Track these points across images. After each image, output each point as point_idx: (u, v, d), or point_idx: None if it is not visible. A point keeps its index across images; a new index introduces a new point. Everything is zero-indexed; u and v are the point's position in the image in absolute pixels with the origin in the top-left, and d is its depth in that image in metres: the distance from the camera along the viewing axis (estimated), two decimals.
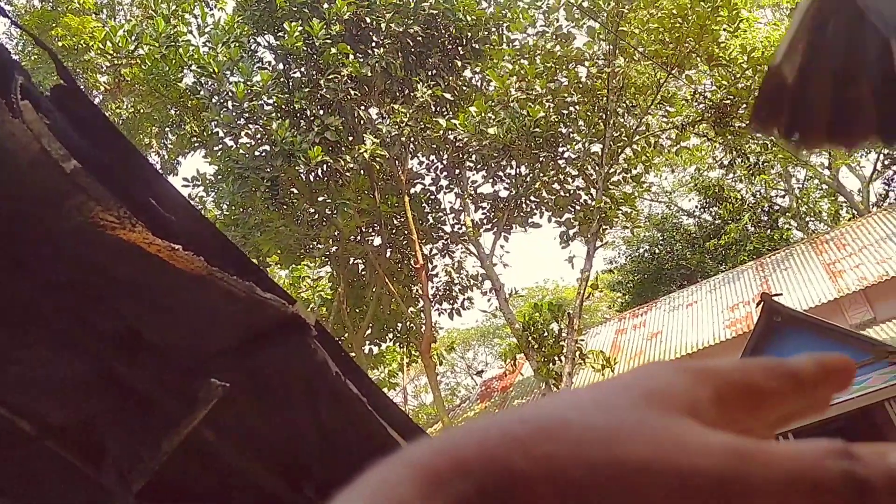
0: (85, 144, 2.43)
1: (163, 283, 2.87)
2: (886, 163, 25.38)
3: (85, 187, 2.37)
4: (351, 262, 16.50)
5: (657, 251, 27.07)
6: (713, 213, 27.15)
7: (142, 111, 14.91)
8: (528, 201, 16.87)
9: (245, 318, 3.01)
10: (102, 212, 2.50)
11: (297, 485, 3.67)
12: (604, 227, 16.69)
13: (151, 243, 2.65)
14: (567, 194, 16.45)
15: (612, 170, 16.09)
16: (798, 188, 26.81)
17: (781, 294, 13.21)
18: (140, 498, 3.60)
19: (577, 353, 14.55)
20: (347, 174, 13.42)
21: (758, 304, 12.88)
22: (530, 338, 14.71)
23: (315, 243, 15.49)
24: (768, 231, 25.48)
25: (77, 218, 2.46)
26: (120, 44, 13.22)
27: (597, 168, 16.05)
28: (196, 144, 14.12)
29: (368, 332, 17.18)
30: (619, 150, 15.88)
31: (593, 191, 16.30)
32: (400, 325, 18.35)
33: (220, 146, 13.95)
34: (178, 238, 2.70)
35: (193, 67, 13.33)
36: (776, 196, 27.35)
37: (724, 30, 14.11)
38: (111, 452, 3.00)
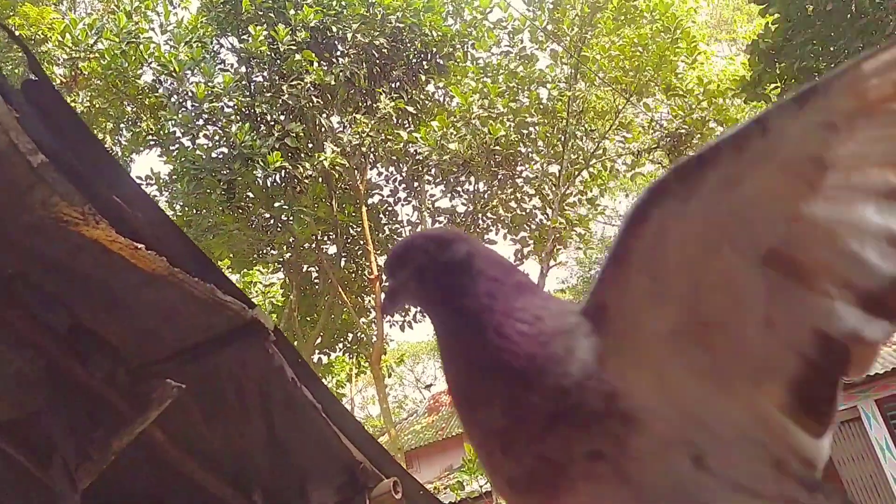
0: (53, 139, 2.42)
1: (123, 281, 2.85)
2: None
3: (51, 182, 2.37)
4: (304, 270, 16.36)
5: None
6: None
7: (97, 106, 14.61)
8: (484, 218, 16.98)
9: (204, 320, 3.00)
10: (67, 207, 2.49)
11: (245, 490, 3.65)
12: (558, 247, 16.89)
13: (114, 241, 2.64)
14: (523, 213, 16.59)
15: (568, 191, 16.30)
16: None
17: None
18: (86, 498, 3.54)
19: None
20: (306, 181, 13.35)
21: None
22: None
23: (269, 249, 15.34)
24: None
25: (40, 212, 2.45)
26: (80, 37, 12.96)
27: (553, 189, 16.25)
28: (151, 143, 13.88)
29: (318, 340, 17.03)
30: (576, 173, 16.11)
31: (549, 211, 16.49)
32: (350, 335, 18.23)
33: (177, 146, 13.75)
34: (142, 237, 2.69)
35: (154, 65, 13.15)
36: None
37: (682, 61, 14.47)
38: (60, 450, 2.95)
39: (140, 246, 2.65)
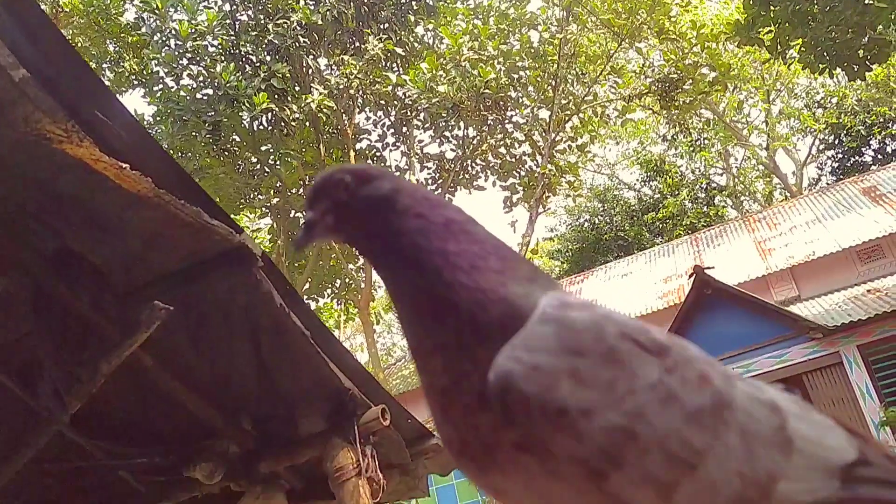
0: (34, 54, 2.35)
1: (107, 202, 2.81)
2: (821, 148, 26.22)
3: (33, 97, 2.31)
4: (292, 216, 16.29)
5: (597, 222, 27.50)
6: (653, 188, 27.68)
7: (79, 45, 14.30)
8: (474, 164, 16.91)
9: (190, 245, 2.97)
10: (50, 124, 2.43)
11: (234, 417, 3.67)
12: (547, 194, 16.88)
13: (98, 160, 2.59)
14: (513, 159, 16.54)
15: (558, 137, 16.22)
16: (736, 167, 27.51)
17: (714, 268, 13.58)
18: (75, 425, 3.55)
19: None
20: (293, 124, 13.18)
21: (690, 277, 13.23)
22: None
23: (256, 194, 15.24)
24: (704, 208, 26.12)
25: (23, 128, 2.39)
26: None
27: (543, 135, 16.17)
28: (135, 83, 13.63)
29: (306, 286, 17.05)
30: (567, 118, 16.01)
31: (539, 157, 16.43)
32: (339, 281, 18.27)
33: (161, 86, 13.51)
34: (126, 157, 2.64)
35: (136, 2, 12.84)
36: (714, 174, 28.05)
37: (676, 4, 14.28)
38: (48, 373, 2.94)
39: (125, 165, 2.60)
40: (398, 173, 17.08)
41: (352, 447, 3.55)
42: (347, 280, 17.74)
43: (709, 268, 13.19)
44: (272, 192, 15.19)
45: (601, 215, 27.70)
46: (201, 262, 3.03)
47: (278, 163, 13.75)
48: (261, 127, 13.81)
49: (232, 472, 3.76)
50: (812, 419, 0.87)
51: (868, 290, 14.00)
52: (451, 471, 4.36)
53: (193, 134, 12.82)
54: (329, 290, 18.67)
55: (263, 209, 15.61)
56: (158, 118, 13.39)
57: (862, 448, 0.86)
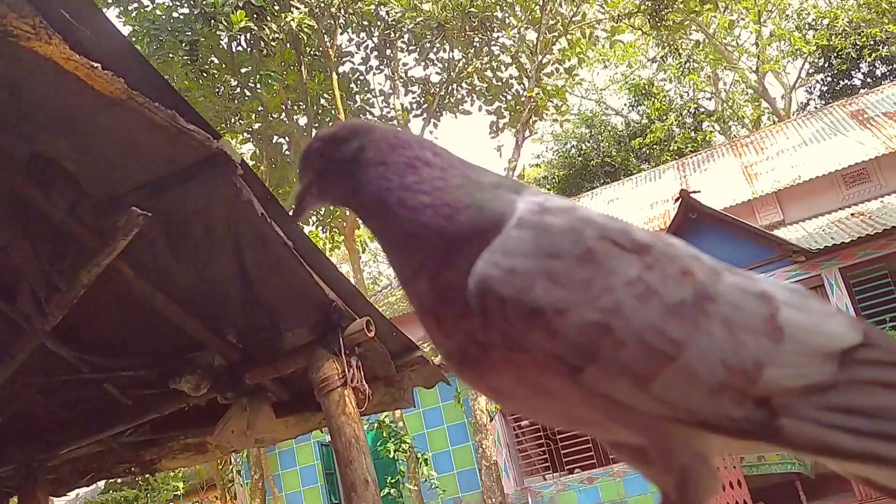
0: None
1: (80, 105, 2.71)
2: (811, 71, 25.98)
3: None
4: (274, 141, 16.03)
5: (584, 147, 27.32)
6: (640, 112, 27.44)
7: None
8: (459, 87, 16.63)
9: (167, 151, 2.89)
10: (17, 20, 2.32)
11: (219, 330, 3.66)
12: (534, 118, 16.67)
13: (69, 59, 2.49)
14: (499, 83, 16.25)
15: (545, 60, 15.92)
16: (724, 91, 27.25)
17: (700, 192, 13.57)
18: (59, 338, 3.53)
19: None
20: (273, 44, 12.81)
21: (676, 201, 13.23)
22: None
23: (237, 118, 14.95)
24: (692, 133, 25.97)
25: None
26: None
27: (530, 57, 15.86)
28: (109, 2, 13.17)
29: (290, 214, 16.93)
30: (554, 40, 15.68)
31: (526, 81, 16.17)
32: (323, 209, 18.15)
33: (136, 4, 13.07)
34: (96, 57, 2.54)
35: None
36: (703, 98, 27.80)
37: None
38: (28, 281, 2.90)
39: (96, 65, 2.51)
40: (381, 97, 16.82)
41: (337, 358, 3.56)
42: (332, 207, 17.62)
43: (695, 192, 13.18)
44: (253, 116, 14.89)
45: (588, 141, 27.52)
46: (179, 170, 2.96)
47: (259, 86, 13.43)
48: (239, 48, 13.44)
49: (218, 385, 3.78)
50: (810, 308, 0.87)
51: (852, 214, 14.08)
52: (435, 383, 4.40)
53: (170, 55, 12.46)
54: (314, 218, 18.56)
55: (245, 134, 15.34)
56: (134, 38, 12.98)
57: (868, 332, 0.86)
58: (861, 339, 0.85)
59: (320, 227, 18.81)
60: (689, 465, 0.82)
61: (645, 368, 0.77)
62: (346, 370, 3.54)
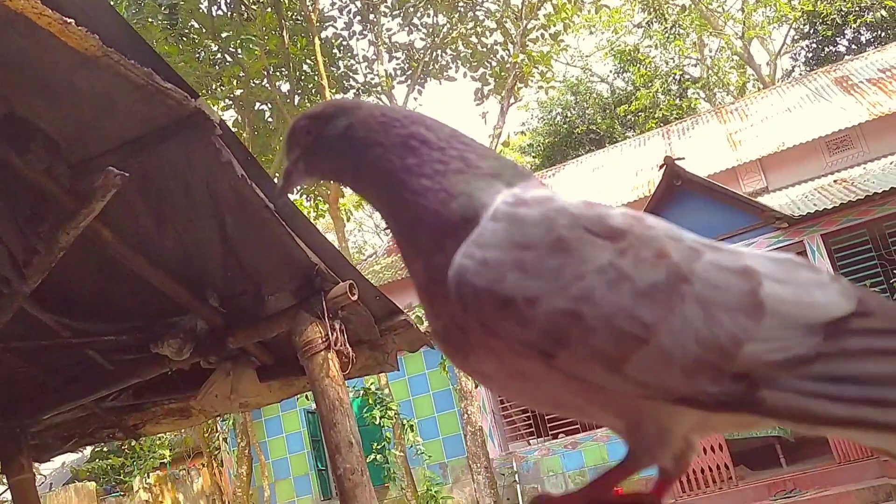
0: None
1: (54, 63, 2.66)
2: (796, 38, 25.91)
3: None
4: (257, 108, 15.85)
5: (569, 115, 27.23)
6: (626, 79, 27.33)
7: None
8: (444, 54, 16.48)
9: (144, 110, 2.84)
10: None
11: (200, 293, 3.64)
12: (519, 85, 16.57)
13: (41, 14, 2.43)
14: (484, 48, 16.12)
15: (530, 25, 15.79)
16: (710, 58, 27.16)
17: (684, 159, 13.57)
18: (39, 302, 3.50)
19: None
20: (253, 8, 12.62)
21: (660, 168, 13.23)
22: None
23: (218, 84, 14.75)
24: (677, 100, 25.93)
25: None
26: None
27: (515, 22, 15.73)
28: None
29: (274, 181, 16.81)
30: (540, 5, 15.55)
31: (511, 47, 16.04)
32: None
33: None
34: (71, 13, 2.49)
35: None
36: (688, 65, 27.70)
37: None
38: (5, 245, 2.86)
39: (69, 20, 2.45)
40: (364, 63, 16.62)
41: (320, 322, 3.55)
42: None
43: (679, 159, 13.18)
44: (235, 82, 14.70)
45: (573, 108, 27.42)
46: (157, 130, 2.92)
47: (240, 51, 13.23)
48: (220, 12, 13.24)
49: (201, 349, 3.77)
50: (797, 279, 0.87)
51: (835, 181, 14.15)
52: (419, 347, 4.41)
53: (149, 19, 12.24)
54: (298, 186, 18.43)
55: (227, 100, 15.15)
56: (112, 1, 12.75)
57: (865, 299, 0.86)
58: (854, 308, 0.85)
59: (304, 196, 18.70)
60: (657, 441, 0.85)
61: (617, 352, 0.78)
62: (330, 333, 3.53)
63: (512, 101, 16.10)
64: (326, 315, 3.54)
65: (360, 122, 0.93)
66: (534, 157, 27.36)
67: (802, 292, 0.86)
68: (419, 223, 0.87)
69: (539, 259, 0.79)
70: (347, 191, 21.39)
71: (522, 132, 28.93)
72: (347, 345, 3.62)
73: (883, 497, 9.18)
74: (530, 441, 13.52)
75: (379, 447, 12.45)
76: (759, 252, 0.91)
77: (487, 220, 0.83)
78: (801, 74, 22.68)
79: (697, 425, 0.86)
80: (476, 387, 12.92)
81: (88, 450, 17.19)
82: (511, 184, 0.88)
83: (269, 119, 15.98)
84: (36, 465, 5.04)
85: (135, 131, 2.93)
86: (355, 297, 3.58)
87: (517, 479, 12.70)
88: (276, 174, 16.47)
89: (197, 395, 4.05)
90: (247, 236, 3.42)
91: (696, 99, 26.71)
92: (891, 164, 13.91)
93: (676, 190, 13.17)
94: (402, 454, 12.71)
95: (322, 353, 3.52)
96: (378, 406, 12.73)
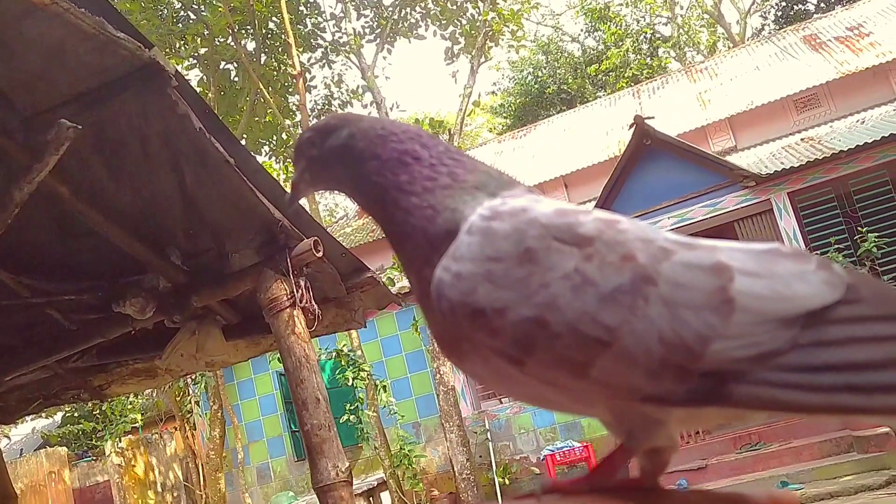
0: None
1: (1, 12, 2.56)
2: None
3: None
4: (222, 67, 15.54)
5: (540, 75, 27.09)
6: (597, 38, 27.19)
7: None
8: (413, 11, 16.25)
9: (97, 61, 2.76)
10: None
11: (162, 251, 3.58)
12: (489, 44, 16.42)
13: None
14: (454, 6, 15.91)
15: None
16: (681, 16, 27.09)
17: (654, 118, 13.59)
18: None
19: None
20: None
21: (631, 127, 13.25)
22: None
23: (181, 43, 14.43)
24: (648, 59, 25.88)
25: None
26: None
27: None
28: None
29: (242, 143, 16.55)
30: None
31: (481, 4, 15.85)
32: (276, 137, 17.80)
33: None
34: None
35: None
36: (658, 24, 27.60)
37: None
38: None
39: None
40: (332, 21, 16.30)
41: (285, 279, 3.52)
42: (285, 136, 17.29)
43: (649, 118, 13.19)
44: (199, 40, 14.38)
45: (544, 68, 27.26)
46: (111, 82, 2.83)
47: (203, 7, 12.93)
48: None
49: (164, 308, 3.72)
50: (775, 272, 0.87)
51: (802, 139, 14.27)
52: (386, 304, 4.40)
53: None
54: (267, 148, 18.21)
55: (191, 59, 14.83)
56: None
57: (855, 286, 0.85)
58: (839, 297, 0.84)
59: (273, 158, 18.47)
60: (639, 428, 0.88)
61: (581, 356, 0.81)
62: (295, 290, 3.50)
63: (482, 60, 15.98)
64: (291, 272, 3.50)
65: (360, 133, 0.97)
66: (505, 117, 27.26)
67: (779, 285, 0.85)
68: (408, 240, 0.91)
69: (508, 270, 0.82)
70: None
71: (494, 93, 28.77)
72: (313, 302, 3.59)
73: (845, 448, 9.45)
74: (502, 399, 13.67)
75: (352, 408, 12.51)
76: (738, 245, 0.90)
77: (463, 233, 0.87)
78: (770, 33, 22.70)
79: (685, 417, 0.87)
80: None
81: (59, 415, 17.08)
82: (494, 194, 0.92)
83: (235, 78, 15.69)
84: (3, 427, 4.99)
85: (88, 83, 2.84)
86: (320, 254, 3.54)
87: (489, 436, 12.86)
88: (244, 136, 16.26)
89: (162, 354, 4.01)
90: (208, 192, 3.36)
91: (667, 58, 26.69)
92: (857, 122, 14.05)
93: (646, 149, 13.21)
94: (375, 414, 12.79)
95: (287, 310, 3.50)
96: (351, 367, 12.76)
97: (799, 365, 0.81)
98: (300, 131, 14.49)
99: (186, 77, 12.71)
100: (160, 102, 2.89)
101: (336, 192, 1.07)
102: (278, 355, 4.42)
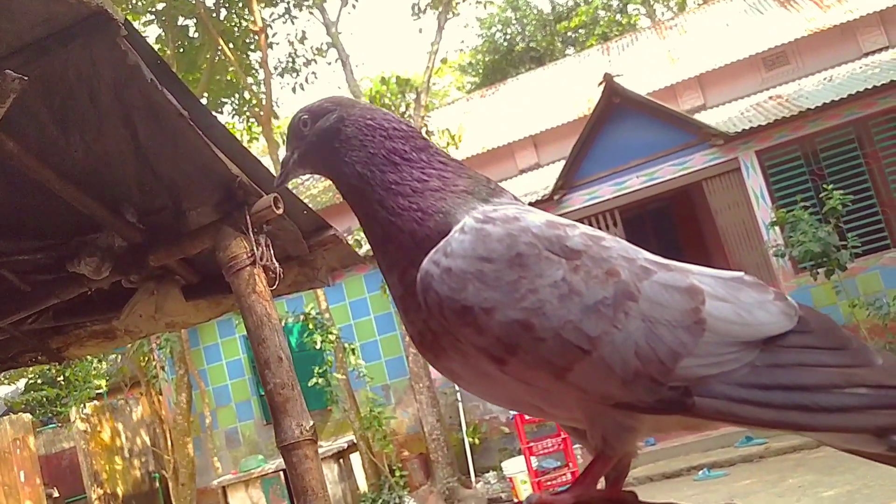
0: None
1: None
2: None
3: None
4: (180, 23, 15.10)
5: (508, 32, 26.82)
6: None
7: None
8: None
9: (41, 10, 2.61)
10: None
11: (116, 209, 3.47)
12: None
13: None
14: None
15: None
16: None
17: (623, 76, 13.52)
18: None
19: (424, 131, 14.52)
20: None
21: (600, 85, 13.18)
22: None
23: None
24: (618, 16, 25.73)
25: None
26: None
27: None
28: None
29: (203, 102, 16.19)
30: None
31: None
32: (237, 96, 17.44)
33: None
34: None
35: None
36: None
37: None
38: None
39: None
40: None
41: (244, 237, 3.43)
42: (247, 95, 16.94)
43: (618, 76, 13.13)
44: None
45: (513, 25, 26.99)
46: (57, 31, 2.70)
47: None
48: None
49: (120, 267, 3.62)
50: (740, 299, 0.94)
51: (770, 97, 14.32)
52: (350, 263, 4.33)
53: None
54: (228, 107, 17.84)
55: (148, 14, 14.38)
56: None
57: (807, 318, 0.93)
58: (792, 326, 0.92)
59: (236, 116, 18.14)
60: (612, 433, 0.93)
61: (561, 361, 0.85)
62: (255, 248, 3.42)
63: (450, 16, 15.71)
64: (251, 229, 3.42)
65: (349, 119, 1.00)
66: (473, 75, 27.02)
67: (744, 312, 0.92)
68: (392, 241, 0.94)
69: (498, 272, 0.86)
70: (281, 111, 20.78)
71: (462, 50, 28.46)
72: (274, 260, 3.52)
73: None
74: None
75: (321, 371, 12.49)
76: (708, 270, 0.98)
77: (456, 231, 0.90)
78: None
79: (653, 423, 0.93)
80: None
81: (22, 382, 16.85)
82: (486, 200, 0.96)
83: (195, 35, 15.28)
84: None
85: (33, 33, 2.71)
86: (280, 211, 3.46)
87: (459, 397, 12.94)
88: (205, 94, 15.89)
89: (120, 315, 3.92)
90: (162, 147, 3.25)
91: (637, 15, 26.54)
92: (824, 79, 14.12)
93: (615, 108, 13.18)
94: (344, 377, 12.78)
95: (248, 268, 3.42)
96: (319, 330, 12.71)
97: (755, 383, 0.88)
98: (263, 90, 14.11)
99: (144, 35, 12.38)
100: (109, 53, 2.76)
101: (319, 174, 1.08)
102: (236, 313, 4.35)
